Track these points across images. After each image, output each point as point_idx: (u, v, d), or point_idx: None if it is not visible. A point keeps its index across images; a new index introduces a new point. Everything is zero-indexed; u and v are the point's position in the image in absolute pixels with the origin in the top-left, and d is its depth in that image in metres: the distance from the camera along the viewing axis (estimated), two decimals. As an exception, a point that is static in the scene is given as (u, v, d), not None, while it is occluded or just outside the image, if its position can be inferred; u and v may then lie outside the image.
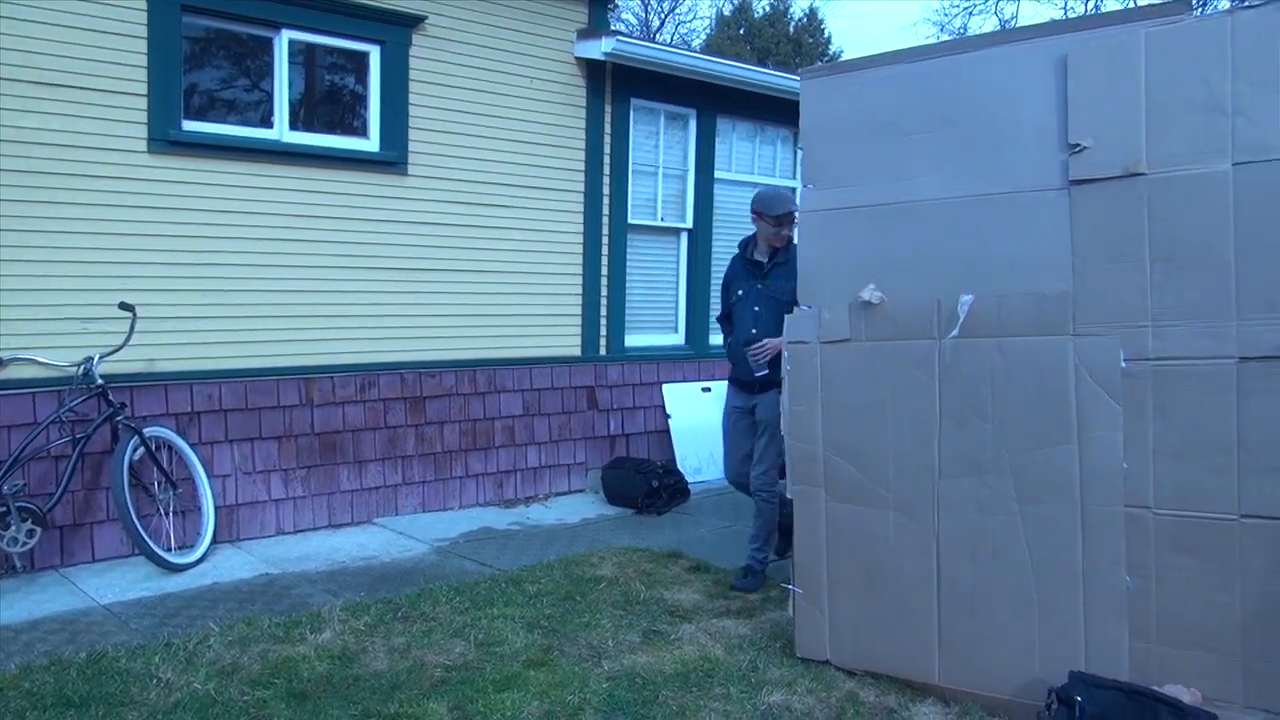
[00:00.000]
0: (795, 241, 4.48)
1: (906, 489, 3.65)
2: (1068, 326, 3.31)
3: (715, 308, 6.63)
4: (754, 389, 4.97)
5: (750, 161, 8.40)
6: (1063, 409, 3.33)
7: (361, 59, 6.09)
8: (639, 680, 3.73)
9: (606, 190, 7.20)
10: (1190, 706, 3.00)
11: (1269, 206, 2.99)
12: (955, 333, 3.51)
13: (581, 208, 7.07)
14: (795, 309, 3.91)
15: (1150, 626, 3.23)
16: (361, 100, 6.15)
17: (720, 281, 5.44)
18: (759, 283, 4.96)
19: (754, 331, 4.91)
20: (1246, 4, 3.14)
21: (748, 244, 5.10)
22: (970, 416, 3.51)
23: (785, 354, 3.91)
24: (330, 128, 6.05)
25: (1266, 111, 2.99)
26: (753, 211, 4.96)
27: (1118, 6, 12.94)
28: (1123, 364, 3.22)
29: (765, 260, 4.98)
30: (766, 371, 4.82)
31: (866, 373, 3.71)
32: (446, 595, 4.64)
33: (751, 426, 5.05)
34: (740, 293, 5.03)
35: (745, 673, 3.81)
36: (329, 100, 6.16)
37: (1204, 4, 12.32)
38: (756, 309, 4.93)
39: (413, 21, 6.15)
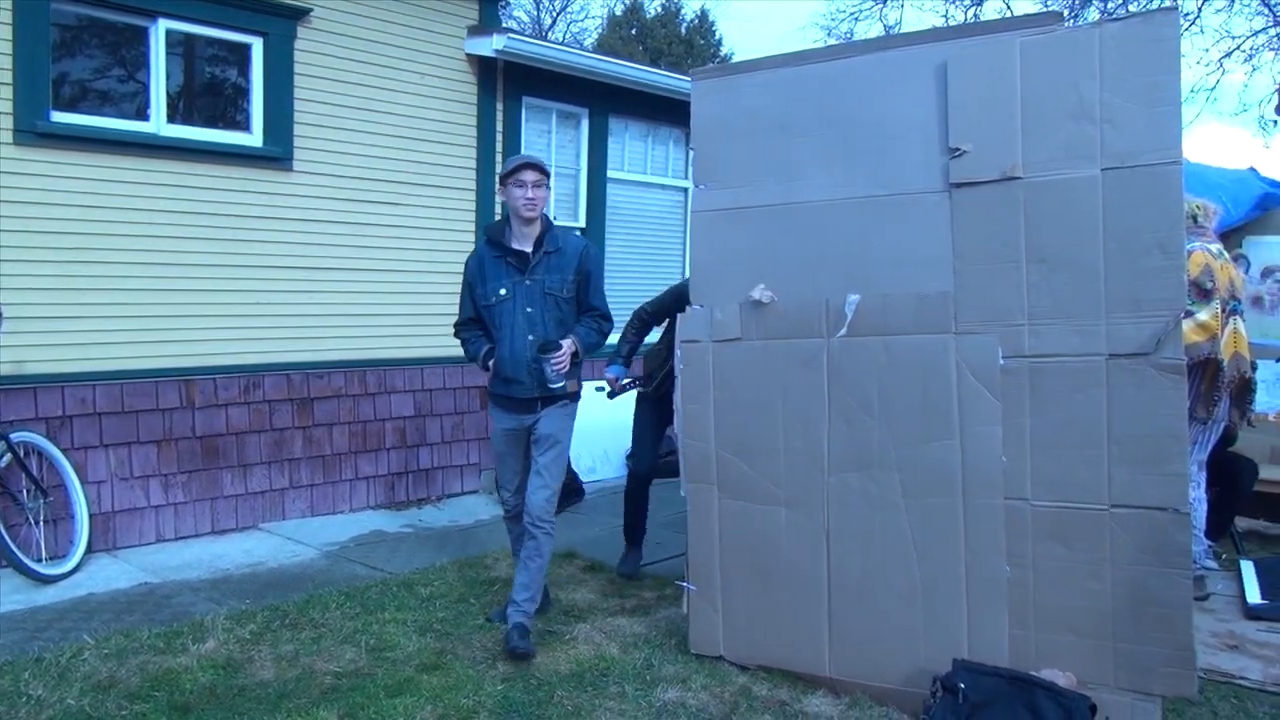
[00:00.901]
0: (555, 222, 4.25)
1: (797, 485, 3.71)
2: (949, 325, 3.42)
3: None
4: (534, 406, 4.10)
5: (643, 161, 8.44)
6: (945, 405, 3.43)
7: (243, 51, 5.91)
8: (534, 681, 3.71)
9: (497, 189, 7.15)
10: (1065, 689, 3.13)
11: (1134, 211, 3.13)
12: (843, 332, 3.59)
13: (474, 206, 6.99)
14: (690, 309, 3.94)
15: (1028, 614, 3.36)
16: (244, 93, 5.96)
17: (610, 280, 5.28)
18: (525, 278, 4.05)
19: (531, 338, 4.03)
20: (1113, 17, 3.28)
21: (502, 231, 4.12)
22: (858, 413, 3.59)
23: (679, 353, 3.93)
24: (211, 121, 5.85)
25: (1132, 120, 3.13)
26: (499, 186, 4.16)
27: (996, 15, 13.37)
28: (1001, 361, 3.34)
29: (530, 250, 4.06)
30: (563, 383, 4.01)
31: (758, 371, 3.76)
32: (336, 601, 4.54)
33: (526, 446, 4.23)
34: (503, 292, 4.06)
35: (640, 671, 3.83)
36: (209, 93, 5.96)
37: (1106, 10, 12.86)
38: (530, 310, 4.05)
39: (297, 14, 5.99)
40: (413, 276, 6.69)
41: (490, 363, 4.13)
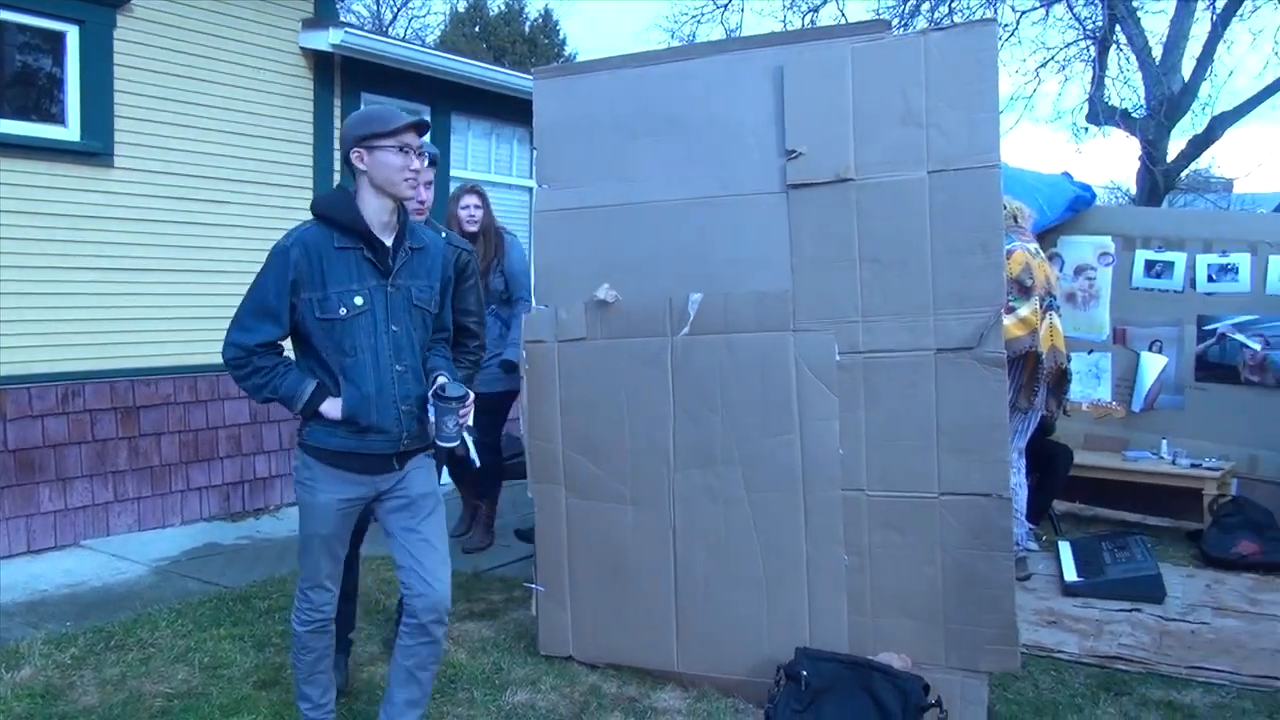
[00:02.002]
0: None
1: (643, 483, 3.74)
2: (788, 323, 3.51)
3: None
4: (395, 462, 2.92)
5: (487, 160, 8.36)
6: (785, 401, 3.52)
7: (57, 39, 5.55)
8: (379, 692, 3.62)
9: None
10: (900, 671, 3.26)
11: (958, 212, 3.28)
12: (686, 330, 3.64)
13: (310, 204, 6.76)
14: (534, 310, 3.92)
15: (866, 600, 3.48)
16: (58, 85, 5.61)
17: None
18: (388, 283, 2.85)
19: (399, 368, 2.87)
20: (938, 26, 3.44)
21: (353, 211, 2.84)
22: (701, 411, 3.64)
23: (524, 354, 3.91)
24: (22, 113, 5.48)
25: (955, 126, 3.28)
26: (353, 148, 2.84)
27: (832, 22, 13.82)
28: (837, 358, 3.44)
29: (390, 244, 2.87)
30: (460, 441, 2.87)
31: (603, 370, 3.77)
32: (167, 619, 4.32)
33: (361, 521, 3.16)
34: (359, 301, 2.81)
35: (489, 675, 3.79)
36: (20, 83, 5.58)
37: (934, 20, 13.40)
38: (395, 329, 2.86)
39: (115, 2, 5.67)
40: (247, 278, 6.36)
41: (325, 406, 2.82)
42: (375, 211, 2.84)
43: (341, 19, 7.89)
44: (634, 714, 3.52)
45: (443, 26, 28.11)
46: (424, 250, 2.97)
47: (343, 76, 6.96)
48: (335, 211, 2.86)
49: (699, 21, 15.59)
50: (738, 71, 3.61)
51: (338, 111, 6.94)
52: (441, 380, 2.87)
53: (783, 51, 3.55)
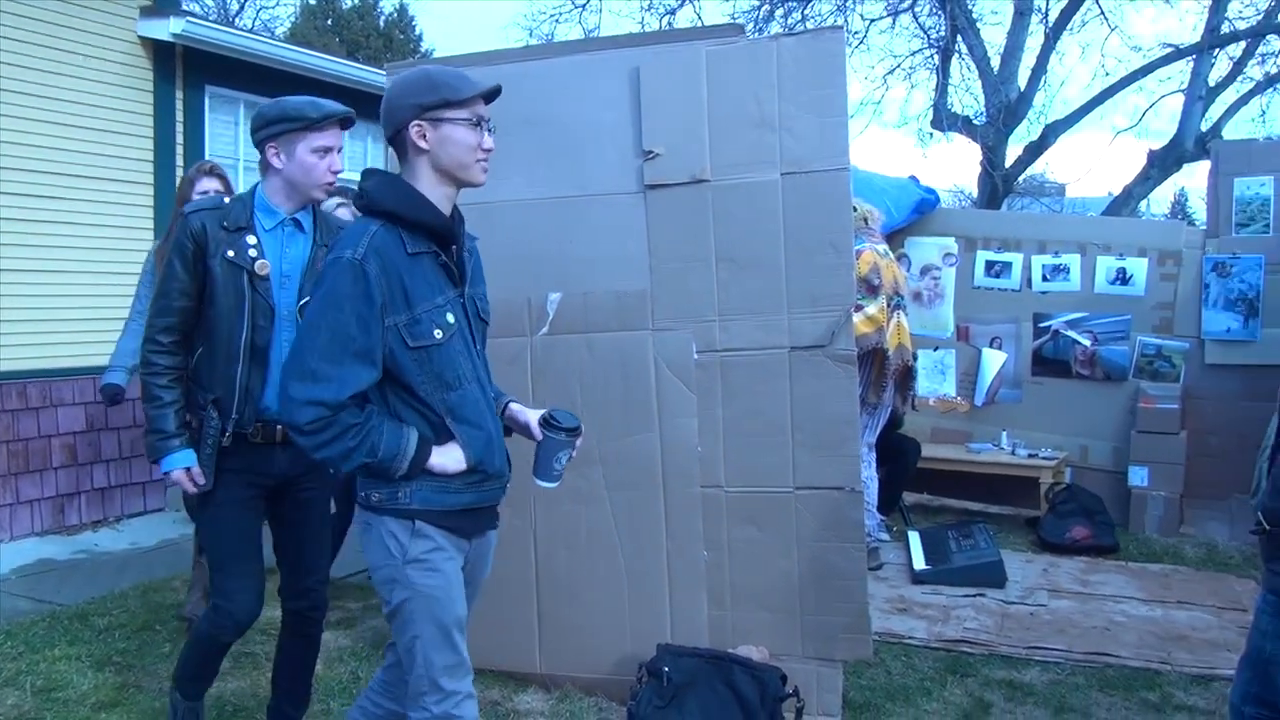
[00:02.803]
0: None
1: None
2: (647, 322, 3.53)
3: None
4: (495, 516, 2.51)
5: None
6: (645, 399, 3.54)
7: None
8: (230, 707, 3.49)
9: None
10: (759, 663, 3.32)
11: (809, 213, 3.37)
12: (545, 330, 3.63)
13: (152, 202, 6.46)
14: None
15: (725, 595, 3.54)
16: None
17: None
18: (461, 291, 2.34)
19: (491, 397, 2.43)
20: (790, 32, 3.52)
21: (427, 210, 2.27)
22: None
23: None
24: None
25: (806, 129, 3.37)
26: (412, 121, 2.23)
27: (688, 25, 14.00)
28: (695, 356, 3.49)
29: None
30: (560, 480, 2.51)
31: (462, 371, 3.72)
32: (-5, 640, 4.07)
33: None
34: (450, 319, 2.27)
35: (346, 685, 3.70)
36: None
37: (788, 25, 13.69)
38: (479, 349, 2.41)
39: (-68, -18, 5.31)
40: (83, 278, 6.09)
41: (439, 459, 2.25)
42: (439, 203, 2.30)
43: (184, 7, 7.57)
44: (496, 718, 3.48)
45: (293, 19, 27.26)
46: (473, 250, 2.48)
47: (185, 68, 6.67)
48: (408, 206, 2.24)
49: (557, 21, 15.57)
50: (595, 72, 3.62)
51: (179, 104, 6.65)
52: (546, 410, 2.47)
53: (639, 53, 3.57)
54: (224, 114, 7.10)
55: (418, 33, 28.33)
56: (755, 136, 3.42)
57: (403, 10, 27.97)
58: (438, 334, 2.23)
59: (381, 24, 27.59)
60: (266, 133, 2.83)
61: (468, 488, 2.30)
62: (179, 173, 6.58)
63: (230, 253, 2.80)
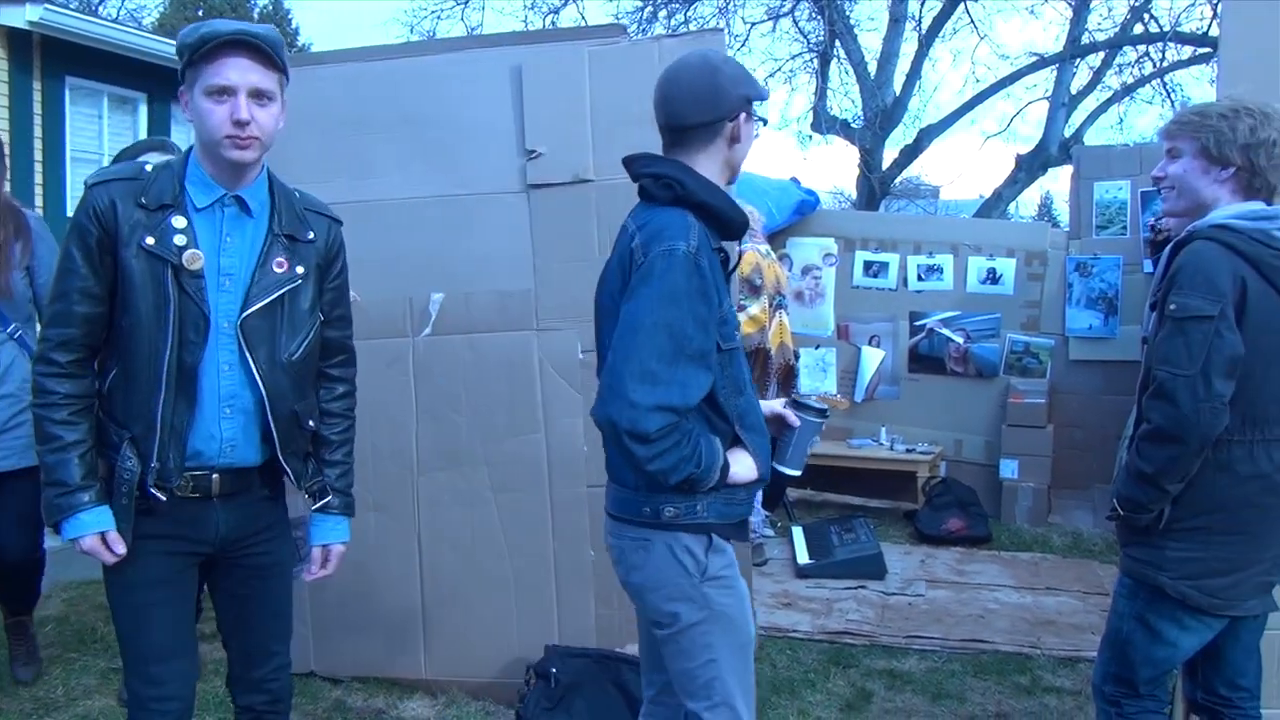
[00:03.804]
0: None
1: (386, 488, 3.64)
2: (531, 322, 3.52)
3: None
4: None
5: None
6: (529, 399, 3.53)
7: None
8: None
9: (39, 179, 6.35)
10: (647, 661, 3.33)
11: (693, 213, 3.39)
12: (427, 331, 3.58)
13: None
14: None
15: (613, 594, 3.52)
16: None
17: None
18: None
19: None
20: (672, 33, 3.55)
21: (736, 207, 2.20)
22: (446, 412, 3.59)
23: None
24: None
25: (688, 129, 3.39)
26: (740, 110, 2.17)
27: (572, 24, 13.98)
28: (580, 355, 3.49)
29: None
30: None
31: (342, 373, 3.64)
32: None
33: None
34: (735, 325, 2.21)
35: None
36: None
37: (671, 26, 13.75)
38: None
39: None
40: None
41: (738, 468, 2.13)
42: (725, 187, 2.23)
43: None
44: (381, 726, 3.42)
45: (162, 8, 26.30)
46: None
47: (43, 57, 6.37)
48: (722, 200, 2.13)
49: (439, 18, 15.36)
50: (477, 70, 3.58)
51: (37, 95, 6.35)
52: (788, 396, 2.43)
53: (521, 51, 3.56)
54: (87, 107, 6.81)
55: (294, 26, 27.68)
56: (638, 136, 3.40)
57: (277, 3, 27.28)
58: (738, 334, 2.18)
59: (255, 16, 26.83)
60: (182, 74, 2.16)
61: (749, 497, 2.22)
62: (38, 168, 6.28)
63: (149, 240, 2.09)
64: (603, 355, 2.14)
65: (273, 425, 2.22)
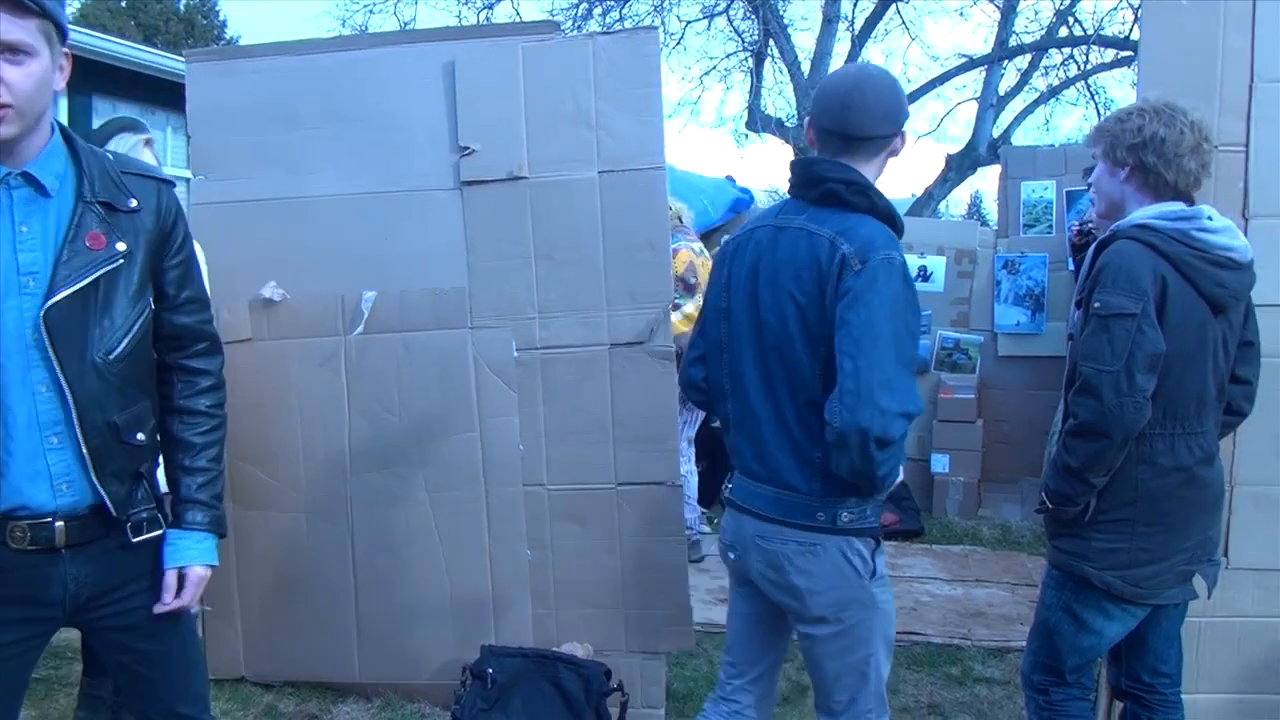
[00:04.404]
0: None
1: (319, 489, 3.59)
2: (466, 320, 3.49)
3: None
4: None
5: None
6: (465, 398, 3.50)
7: None
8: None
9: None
10: (584, 660, 3.33)
11: (627, 211, 3.39)
12: (360, 329, 3.53)
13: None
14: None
15: (549, 593, 3.53)
16: None
17: None
18: None
19: None
20: (606, 30, 3.55)
21: (898, 218, 2.27)
22: (379, 412, 3.54)
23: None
24: None
25: (623, 128, 3.39)
26: (897, 130, 2.25)
27: (506, 20, 13.89)
28: (515, 354, 3.47)
29: None
30: None
31: (272, 373, 3.57)
32: None
33: None
34: None
35: None
36: None
37: (606, 23, 13.72)
38: None
39: None
40: None
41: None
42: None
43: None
44: (314, 731, 3.37)
45: (83, 0, 25.62)
46: None
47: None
48: (897, 213, 2.23)
49: (371, 12, 15.18)
50: (409, 64, 3.54)
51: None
52: None
53: (454, 47, 3.51)
54: (3, 99, 6.60)
55: (221, 18, 27.18)
56: (573, 134, 3.42)
57: (205, -5, 26.74)
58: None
59: (182, 7, 26.24)
60: None
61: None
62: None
63: None
64: (760, 352, 2.22)
65: (81, 441, 1.82)
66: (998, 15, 14.15)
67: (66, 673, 3.79)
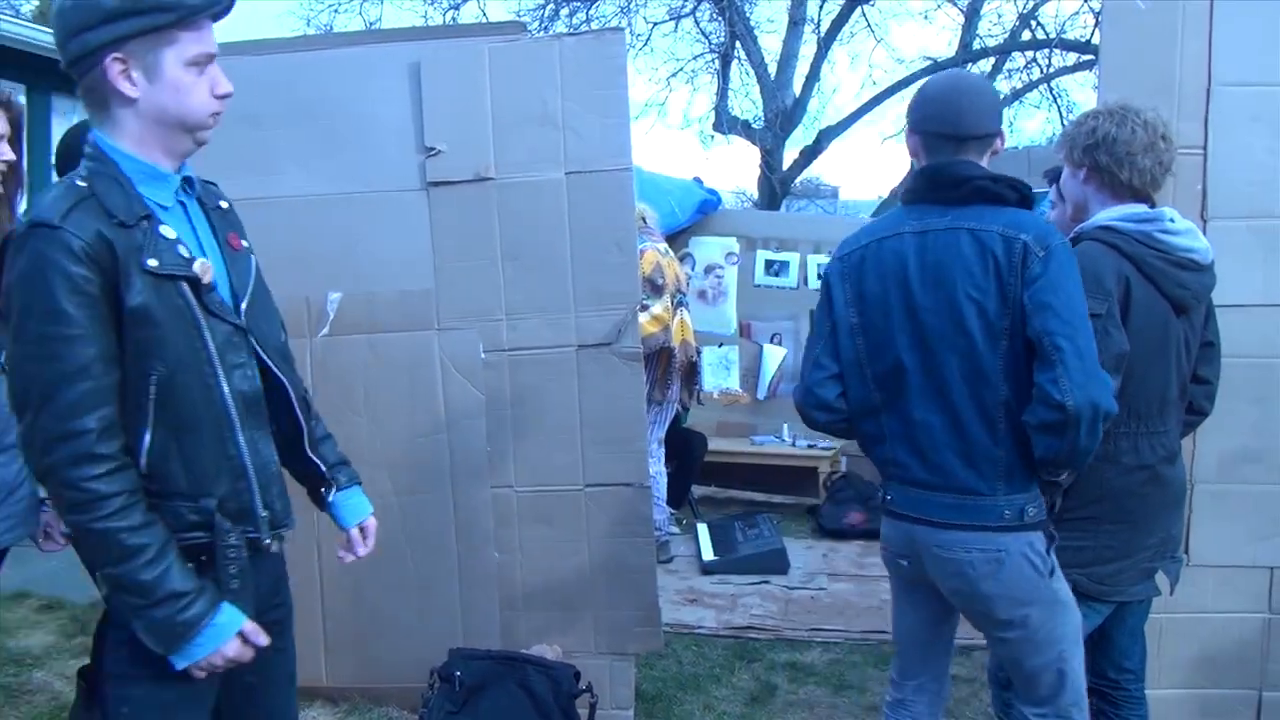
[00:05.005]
0: None
1: (284, 492, 3.55)
2: (432, 321, 3.47)
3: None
4: None
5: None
6: (432, 400, 3.48)
7: None
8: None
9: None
10: (553, 662, 3.32)
11: (594, 212, 3.39)
12: (325, 331, 3.50)
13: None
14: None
15: (517, 595, 3.52)
16: None
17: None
18: None
19: None
20: (572, 32, 3.54)
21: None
22: (346, 414, 3.51)
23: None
24: None
25: (589, 129, 3.38)
26: (999, 126, 2.34)
27: (473, 21, 13.83)
28: (482, 355, 3.45)
29: None
30: None
31: (236, 375, 3.54)
32: None
33: None
34: None
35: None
36: None
37: (573, 25, 13.70)
38: None
39: None
40: None
41: None
42: None
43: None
44: (279, 737, 3.33)
45: (41, -2, 25.22)
46: None
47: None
48: (1035, 205, 2.37)
49: (337, 12, 15.05)
50: (374, 65, 3.52)
51: (-94, 86, 6.02)
52: None
53: (420, 47, 3.50)
54: (-40, 98, 6.49)
55: (185, 18, 26.76)
56: (539, 135, 3.41)
57: (168, -6, 26.38)
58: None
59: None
60: (105, 34, 1.68)
61: None
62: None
63: (151, 262, 1.68)
64: (915, 357, 2.21)
65: (303, 424, 1.98)
66: (962, 19, 14.28)
67: (26, 680, 3.73)
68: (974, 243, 2.14)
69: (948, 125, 2.23)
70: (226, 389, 1.76)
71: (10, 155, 2.13)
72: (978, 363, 2.14)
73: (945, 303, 2.16)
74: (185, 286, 1.73)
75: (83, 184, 1.69)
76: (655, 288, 5.15)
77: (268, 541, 1.87)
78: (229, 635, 1.73)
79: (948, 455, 2.19)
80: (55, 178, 2.42)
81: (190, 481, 1.73)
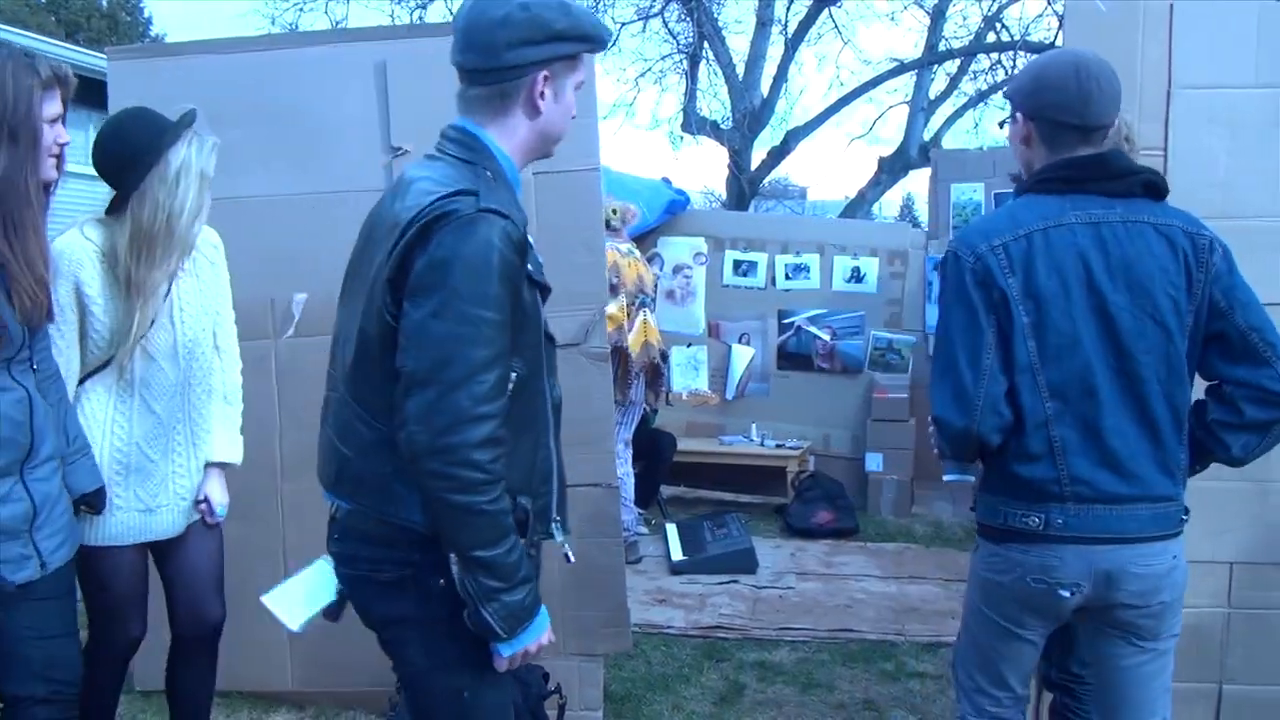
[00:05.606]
0: None
1: (249, 497, 3.49)
2: (399, 322, 3.44)
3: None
4: None
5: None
6: (399, 402, 3.45)
7: None
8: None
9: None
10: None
11: (562, 213, 3.38)
12: (290, 332, 3.48)
13: None
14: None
15: (486, 597, 3.50)
16: None
17: None
18: None
19: None
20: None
21: None
22: (311, 417, 3.44)
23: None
24: None
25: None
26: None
27: (440, 20, 13.77)
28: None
29: None
30: None
31: (200, 377, 3.50)
32: None
33: None
34: None
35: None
36: None
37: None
38: None
39: None
40: None
41: None
42: None
43: None
44: (245, 742, 3.31)
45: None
46: None
47: None
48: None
49: (302, 10, 14.91)
50: (340, 64, 3.50)
51: None
52: None
53: (386, 46, 3.49)
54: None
55: (146, 15, 26.54)
56: (507, 135, 3.40)
57: (128, -9, 26.11)
58: None
59: (104, 4, 25.61)
60: (547, 52, 1.81)
61: None
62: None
63: (531, 266, 1.85)
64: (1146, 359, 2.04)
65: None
66: (928, 20, 14.38)
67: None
68: (1160, 238, 2.03)
69: (1072, 114, 2.05)
70: (550, 396, 1.92)
71: (66, 138, 2.18)
72: (1174, 363, 2.03)
73: (1144, 301, 2.01)
74: (539, 295, 1.86)
75: (490, 175, 1.82)
76: (610, 288, 5.14)
77: (558, 542, 1.98)
78: (547, 625, 1.84)
79: (1144, 463, 2.03)
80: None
81: (515, 479, 1.79)
